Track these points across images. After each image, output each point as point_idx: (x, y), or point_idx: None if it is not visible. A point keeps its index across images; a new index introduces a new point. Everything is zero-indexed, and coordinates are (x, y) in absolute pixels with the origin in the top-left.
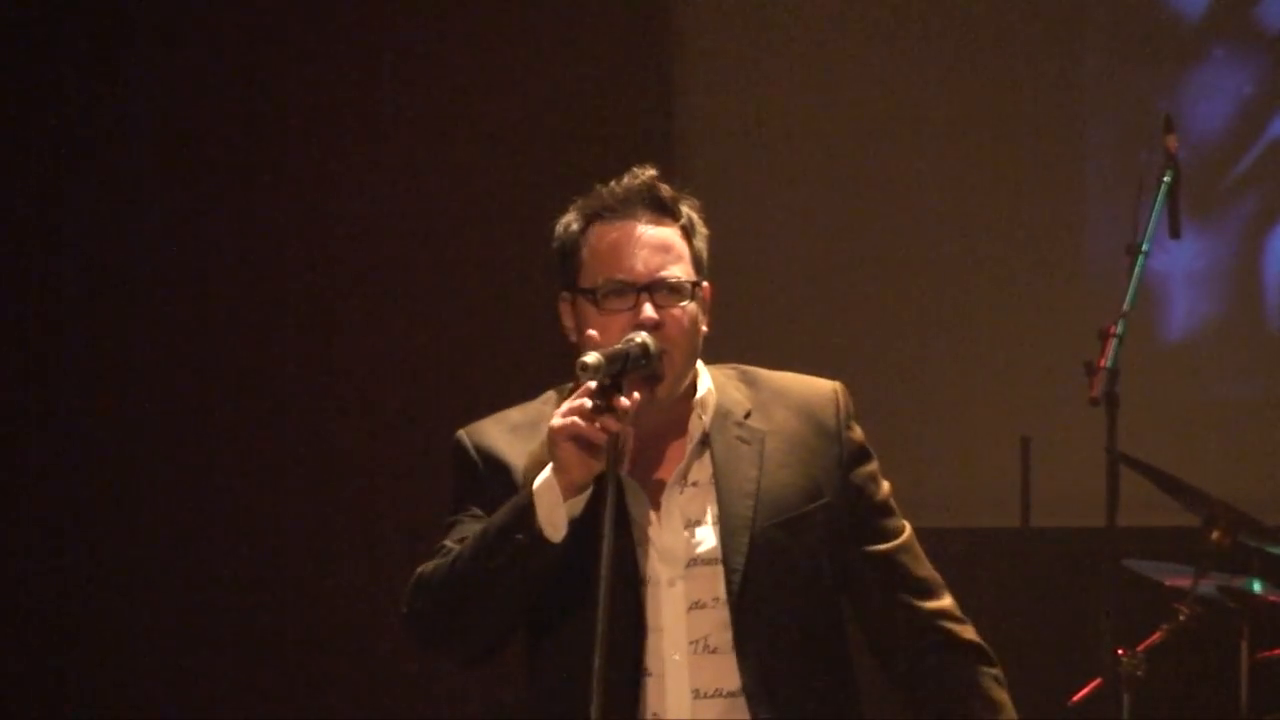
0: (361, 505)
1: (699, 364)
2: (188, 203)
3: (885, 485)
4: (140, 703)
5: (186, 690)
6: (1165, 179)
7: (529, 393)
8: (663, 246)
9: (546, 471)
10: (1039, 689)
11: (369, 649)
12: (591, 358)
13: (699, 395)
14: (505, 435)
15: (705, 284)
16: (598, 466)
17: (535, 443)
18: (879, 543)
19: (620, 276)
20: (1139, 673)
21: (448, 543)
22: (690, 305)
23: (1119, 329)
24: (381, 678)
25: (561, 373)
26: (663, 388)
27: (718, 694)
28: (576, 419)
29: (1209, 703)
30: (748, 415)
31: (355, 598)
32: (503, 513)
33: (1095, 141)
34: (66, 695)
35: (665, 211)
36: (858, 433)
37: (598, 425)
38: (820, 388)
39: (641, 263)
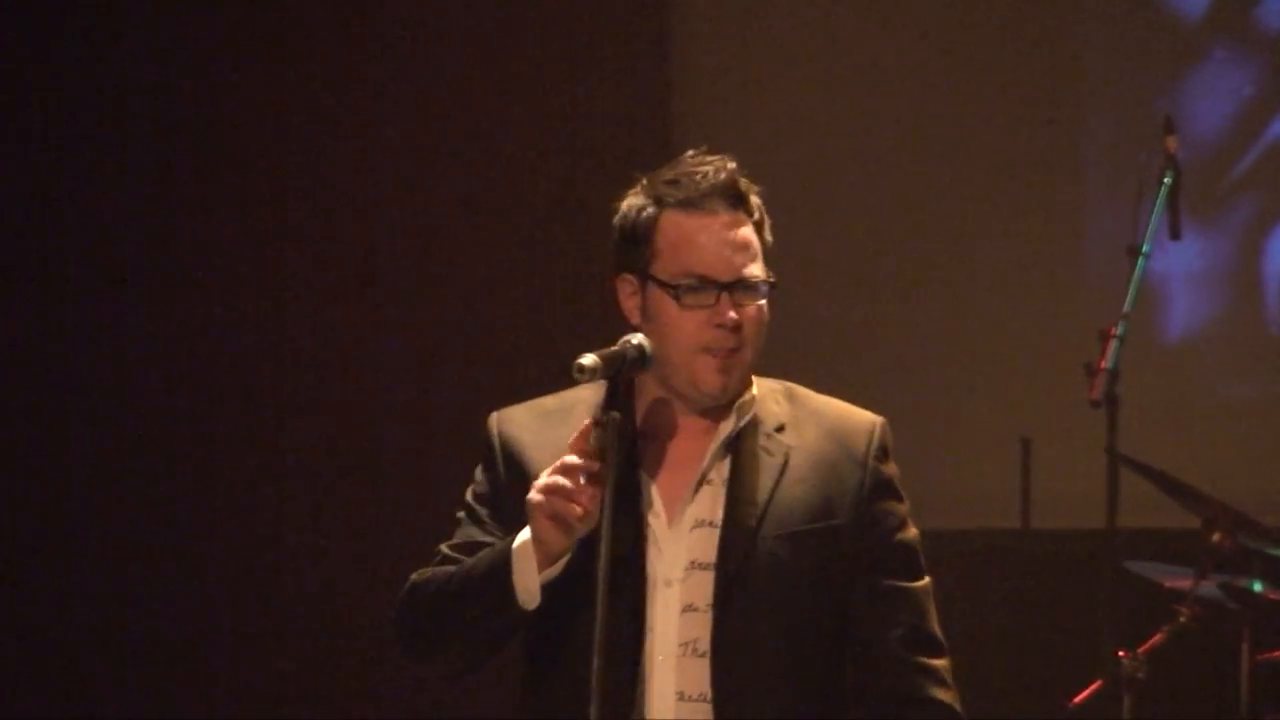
0: (364, 504)
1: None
2: (195, 199)
3: (911, 531)
4: (140, 703)
5: (187, 690)
6: (1165, 180)
7: (525, 390)
8: (743, 244)
9: (527, 533)
10: (1039, 691)
11: (370, 648)
12: (588, 359)
13: (742, 399)
14: (534, 423)
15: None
16: (576, 538)
17: (566, 428)
18: (889, 578)
19: (703, 273)
20: (1139, 674)
21: (445, 549)
22: (764, 304)
23: (1119, 330)
24: (381, 678)
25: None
26: (734, 380)
27: (701, 698)
28: (553, 497)
29: (1210, 704)
30: (780, 429)
31: (358, 598)
32: (485, 561)
33: (1095, 142)
34: (67, 695)
35: (741, 206)
36: (890, 468)
37: (582, 499)
38: (859, 417)
39: (724, 261)
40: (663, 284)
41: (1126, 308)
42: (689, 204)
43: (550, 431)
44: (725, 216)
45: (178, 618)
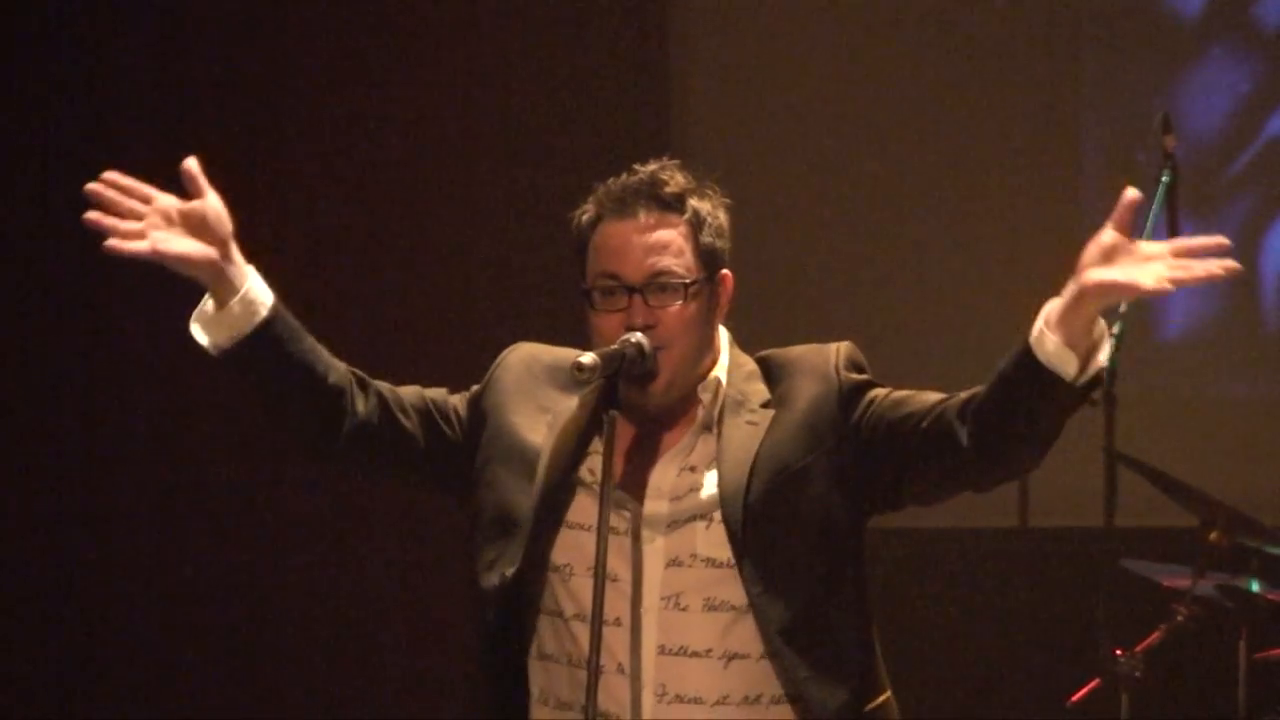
0: (363, 504)
1: (727, 348)
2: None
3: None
4: (139, 702)
5: (185, 690)
6: (1163, 178)
7: None
8: (659, 245)
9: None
10: (1038, 689)
11: (369, 648)
12: (588, 358)
13: (706, 380)
14: (528, 371)
15: (725, 273)
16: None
17: (549, 388)
18: (926, 402)
19: (612, 274)
20: (1137, 673)
21: (407, 387)
22: (688, 304)
23: (1116, 329)
24: (382, 677)
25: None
26: (657, 385)
27: (682, 652)
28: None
29: (1207, 703)
30: (766, 404)
31: (356, 597)
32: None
33: (1093, 141)
34: (67, 695)
35: (667, 208)
36: (860, 374)
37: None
38: (826, 347)
39: (633, 262)
40: (584, 290)
41: (1123, 306)
42: (612, 209)
43: (533, 388)
44: (646, 218)
45: (176, 617)
